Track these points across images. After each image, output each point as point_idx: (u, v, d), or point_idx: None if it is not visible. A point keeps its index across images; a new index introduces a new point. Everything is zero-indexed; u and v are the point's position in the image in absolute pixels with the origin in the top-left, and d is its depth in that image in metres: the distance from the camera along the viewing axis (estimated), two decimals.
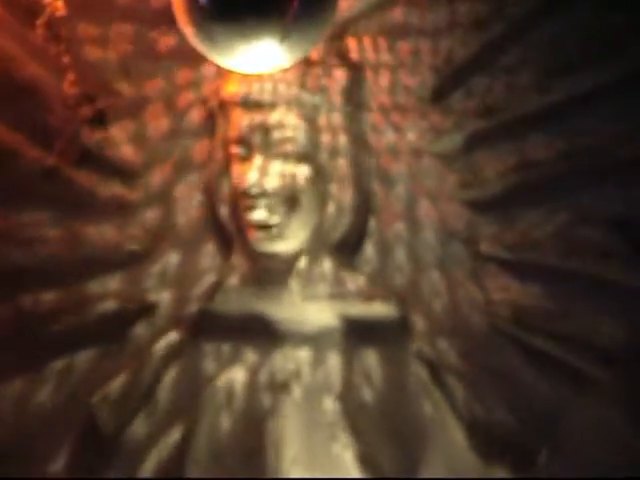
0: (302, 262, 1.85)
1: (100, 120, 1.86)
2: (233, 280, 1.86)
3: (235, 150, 1.81)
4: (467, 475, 1.75)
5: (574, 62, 1.86)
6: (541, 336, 1.83)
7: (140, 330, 1.87)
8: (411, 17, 1.93)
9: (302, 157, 1.81)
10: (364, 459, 1.74)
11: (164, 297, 1.88)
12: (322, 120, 1.85)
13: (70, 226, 1.86)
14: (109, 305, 1.86)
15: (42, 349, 1.83)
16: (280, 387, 1.81)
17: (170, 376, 1.84)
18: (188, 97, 1.95)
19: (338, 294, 1.83)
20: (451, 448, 1.78)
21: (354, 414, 1.78)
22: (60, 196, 1.85)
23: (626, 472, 1.73)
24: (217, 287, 1.86)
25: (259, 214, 1.78)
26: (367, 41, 1.92)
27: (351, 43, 1.92)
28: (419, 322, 1.84)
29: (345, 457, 1.75)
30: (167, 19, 1.77)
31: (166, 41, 1.95)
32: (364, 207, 1.87)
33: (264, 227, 1.78)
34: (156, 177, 1.93)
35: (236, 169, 1.81)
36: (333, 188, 1.84)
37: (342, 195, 1.84)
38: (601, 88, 1.84)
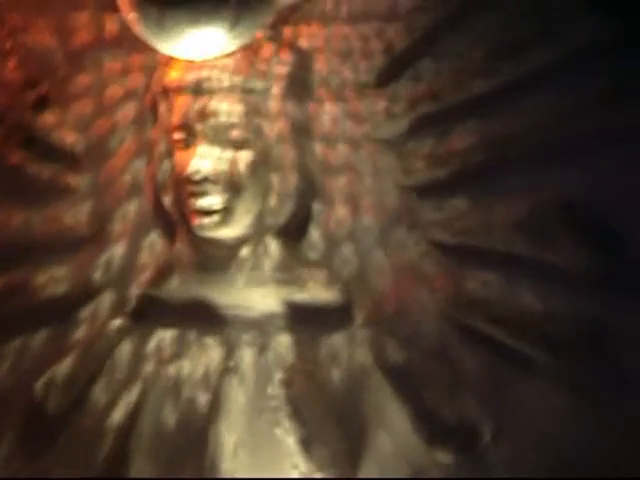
0: (246, 248, 1.86)
1: (43, 105, 1.86)
2: (177, 266, 1.87)
3: (177, 136, 1.81)
4: (411, 458, 1.77)
5: (519, 44, 1.88)
6: (486, 321, 1.84)
7: (86, 314, 1.88)
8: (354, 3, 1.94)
9: (245, 143, 1.81)
10: (307, 443, 1.76)
11: (109, 282, 1.89)
12: (265, 107, 1.85)
13: (14, 211, 1.86)
14: (55, 289, 1.87)
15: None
16: (224, 372, 1.82)
17: (114, 360, 1.85)
18: (132, 84, 1.96)
19: (283, 280, 1.84)
20: (395, 432, 1.79)
21: (298, 399, 1.79)
22: (3, 181, 1.86)
23: (571, 451, 1.76)
24: (161, 273, 1.87)
25: (202, 200, 1.78)
26: (311, 28, 1.93)
27: (295, 29, 1.92)
28: (363, 308, 1.85)
29: (289, 441, 1.77)
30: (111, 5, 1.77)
31: (110, 27, 1.95)
32: (308, 193, 1.88)
33: (207, 213, 1.79)
34: (100, 164, 1.93)
35: (179, 156, 1.82)
36: (276, 174, 1.85)
37: (285, 181, 1.86)
38: (547, 67, 1.85)
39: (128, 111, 1.95)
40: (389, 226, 1.88)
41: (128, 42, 1.89)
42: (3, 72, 1.85)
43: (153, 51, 1.77)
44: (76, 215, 1.91)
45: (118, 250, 1.91)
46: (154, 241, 1.92)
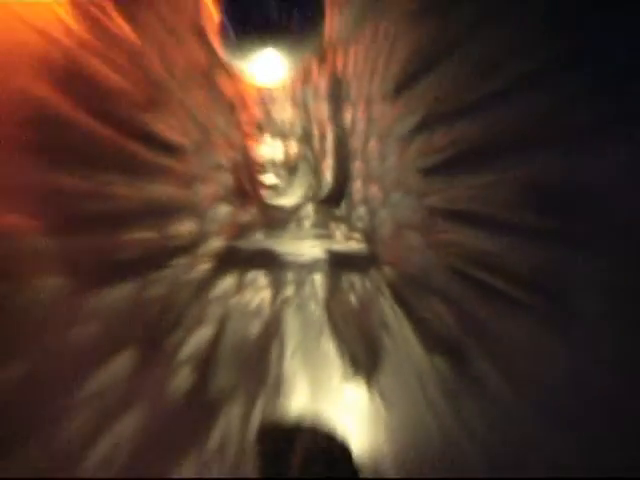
0: (299, 212, 2.58)
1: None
2: (250, 225, 2.61)
3: (253, 132, 2.55)
4: (414, 362, 2.45)
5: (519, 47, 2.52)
6: (480, 268, 2.51)
7: (182, 261, 2.62)
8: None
9: (299, 138, 2.53)
10: (341, 349, 2.47)
11: (200, 238, 2.63)
12: (312, 112, 2.57)
13: (134, 186, 2.61)
14: (156, 242, 2.62)
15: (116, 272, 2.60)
16: (281, 301, 2.55)
17: (203, 297, 2.59)
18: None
19: (324, 235, 2.56)
20: (405, 344, 2.48)
21: (334, 317, 2.51)
22: (127, 163, 2.61)
23: (552, 385, 2.40)
24: (238, 231, 2.61)
25: (269, 178, 2.51)
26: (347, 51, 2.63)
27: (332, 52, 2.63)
28: (383, 256, 2.55)
29: (329, 347, 2.48)
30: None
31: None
32: (343, 176, 2.58)
33: (272, 187, 2.52)
34: (198, 154, 2.67)
35: (253, 146, 2.55)
36: (321, 162, 2.57)
37: (327, 167, 2.57)
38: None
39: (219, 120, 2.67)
40: (402, 197, 2.57)
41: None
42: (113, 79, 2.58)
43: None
44: (168, 191, 2.64)
45: (210, 213, 2.64)
46: (235, 206, 2.64)
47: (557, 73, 2.51)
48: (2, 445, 2.45)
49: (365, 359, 2.48)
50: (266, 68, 2.36)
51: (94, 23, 2.56)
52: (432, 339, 2.47)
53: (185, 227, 2.62)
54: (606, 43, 2.51)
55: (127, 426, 2.58)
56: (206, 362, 2.57)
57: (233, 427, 2.55)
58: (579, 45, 2.49)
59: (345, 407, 2.49)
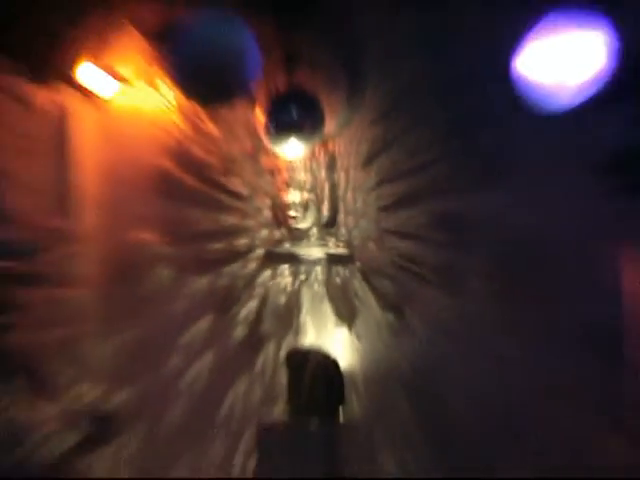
0: (309, 232, 4.46)
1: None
2: (282, 239, 4.50)
3: (283, 187, 4.46)
4: (375, 316, 4.30)
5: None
6: (410, 262, 4.38)
7: (240, 262, 4.51)
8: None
9: (311, 189, 4.44)
10: (333, 309, 4.33)
11: (252, 248, 4.52)
12: (317, 175, 4.48)
13: (216, 217, 4.52)
14: (226, 250, 4.50)
15: (203, 267, 4.48)
16: (304, 281, 4.42)
17: (253, 282, 4.46)
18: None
19: (323, 244, 4.44)
20: (369, 305, 4.34)
21: (329, 291, 4.38)
22: (213, 203, 4.52)
23: (448, 322, 4.25)
24: (275, 242, 4.49)
25: (293, 213, 4.41)
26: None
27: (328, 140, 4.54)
28: (356, 256, 4.43)
29: (326, 308, 4.34)
30: None
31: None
32: (334, 212, 4.48)
33: (294, 218, 4.41)
34: (252, 199, 4.57)
35: (283, 195, 4.45)
36: (322, 204, 4.47)
37: (325, 207, 4.48)
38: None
39: (264, 180, 4.58)
40: (364, 222, 4.45)
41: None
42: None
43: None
44: (235, 220, 4.54)
45: (261, 233, 4.53)
46: (270, 231, 4.53)
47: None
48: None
49: (347, 314, 4.34)
50: (291, 150, 4.29)
51: (193, 122, 4.50)
52: (384, 302, 4.32)
53: (243, 241, 4.51)
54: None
55: (206, 361, 4.44)
56: (254, 321, 4.43)
57: (269, 358, 4.40)
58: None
59: (336, 342, 4.34)
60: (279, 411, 4.33)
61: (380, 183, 4.45)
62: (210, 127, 4.54)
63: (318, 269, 4.48)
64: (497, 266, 4.26)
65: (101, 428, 4.22)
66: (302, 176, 4.48)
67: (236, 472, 4.27)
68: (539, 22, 4.14)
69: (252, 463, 4.31)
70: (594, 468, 3.73)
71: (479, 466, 3.97)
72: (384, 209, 4.44)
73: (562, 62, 4.16)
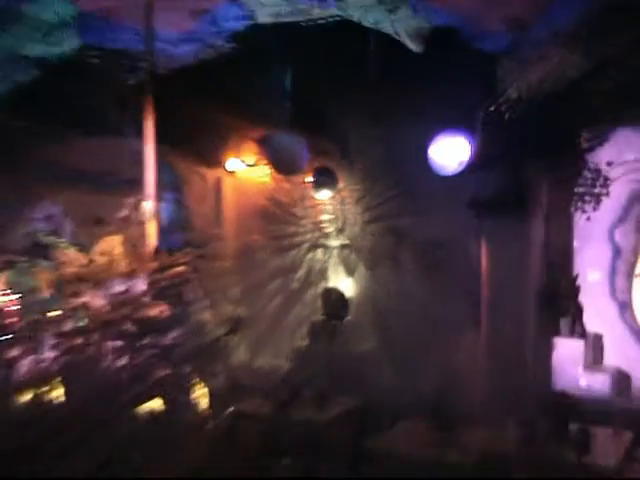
0: (332, 233, 9.42)
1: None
2: (318, 237, 9.49)
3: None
4: (362, 272, 9.21)
5: None
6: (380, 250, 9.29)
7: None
8: None
9: (332, 212, 9.41)
10: (345, 269, 9.28)
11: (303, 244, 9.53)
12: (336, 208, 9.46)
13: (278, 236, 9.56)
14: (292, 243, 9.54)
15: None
16: (329, 257, 9.37)
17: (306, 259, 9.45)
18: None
19: (338, 239, 9.40)
20: (360, 268, 9.27)
21: (342, 261, 9.34)
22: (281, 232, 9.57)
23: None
24: (315, 239, 9.48)
25: (323, 224, 9.39)
26: None
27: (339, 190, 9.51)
28: (354, 244, 9.36)
29: (340, 270, 9.28)
30: None
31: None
32: (344, 223, 9.44)
33: (324, 226, 9.39)
34: (300, 226, 9.58)
35: (319, 215, 9.43)
36: (338, 219, 9.44)
37: (339, 220, 9.45)
38: None
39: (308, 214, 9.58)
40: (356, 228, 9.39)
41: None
42: None
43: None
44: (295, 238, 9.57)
45: (307, 235, 9.52)
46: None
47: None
48: None
49: (349, 273, 9.23)
50: (322, 194, 9.31)
51: (278, 183, 9.58)
52: (366, 266, 9.19)
53: (299, 238, 9.49)
54: None
55: (283, 294, 9.46)
56: (305, 276, 9.37)
57: (313, 294, 9.33)
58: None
59: (344, 285, 9.25)
60: (317, 317, 9.21)
61: (364, 210, 9.33)
62: (286, 185, 9.59)
63: (335, 251, 9.37)
64: (422, 258, 8.94)
65: (234, 325, 9.01)
66: (328, 207, 9.41)
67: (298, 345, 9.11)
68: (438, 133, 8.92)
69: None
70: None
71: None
72: (366, 223, 9.31)
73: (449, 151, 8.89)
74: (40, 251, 8.09)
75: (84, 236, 8.39)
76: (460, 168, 8.59)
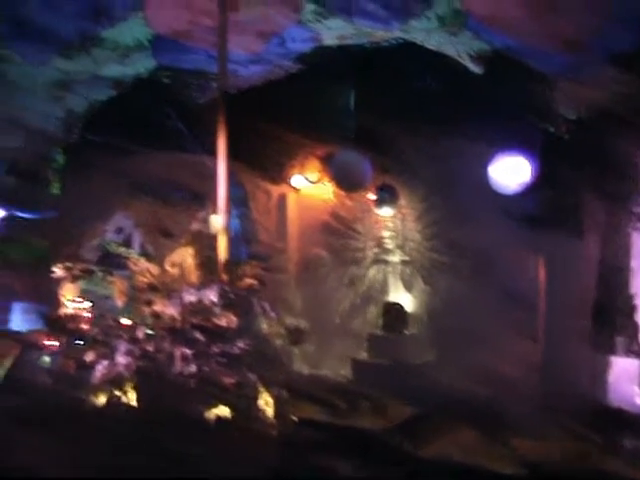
0: (392, 248, 9.68)
1: None
2: (378, 252, 9.75)
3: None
4: (423, 288, 9.44)
5: None
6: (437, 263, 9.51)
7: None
8: None
9: (393, 229, 9.66)
10: (404, 283, 9.52)
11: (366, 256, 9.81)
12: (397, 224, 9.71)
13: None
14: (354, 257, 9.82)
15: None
16: (390, 270, 9.62)
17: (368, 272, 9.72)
18: None
19: (397, 254, 9.66)
20: (417, 283, 9.50)
21: (401, 275, 9.58)
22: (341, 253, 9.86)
23: None
24: (375, 254, 9.75)
25: (384, 240, 9.65)
26: None
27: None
28: (411, 260, 9.60)
29: (398, 283, 9.52)
30: None
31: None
32: (403, 239, 9.69)
33: (384, 242, 9.66)
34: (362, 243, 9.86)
35: (381, 231, 9.70)
36: (398, 236, 9.68)
37: (399, 237, 9.70)
38: None
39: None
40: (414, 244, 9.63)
41: None
42: None
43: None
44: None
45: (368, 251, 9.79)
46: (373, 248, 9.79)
47: None
48: None
49: (407, 286, 9.46)
50: (384, 211, 9.57)
51: (339, 199, 9.87)
52: (429, 278, 9.40)
53: (360, 254, 9.76)
54: None
55: (346, 303, 9.73)
56: (367, 289, 9.63)
57: (374, 306, 9.58)
58: None
59: (403, 299, 9.47)
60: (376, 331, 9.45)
61: (424, 227, 9.57)
62: (348, 201, 9.87)
63: (395, 266, 9.61)
64: (479, 273, 9.10)
65: (295, 336, 9.17)
66: (390, 223, 9.67)
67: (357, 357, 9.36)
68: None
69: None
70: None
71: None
72: (426, 239, 9.54)
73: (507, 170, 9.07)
74: (111, 261, 8.44)
75: (153, 247, 8.73)
76: (519, 187, 8.82)
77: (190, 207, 9.15)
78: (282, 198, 10.09)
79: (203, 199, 9.08)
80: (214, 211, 7.04)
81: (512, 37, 7.77)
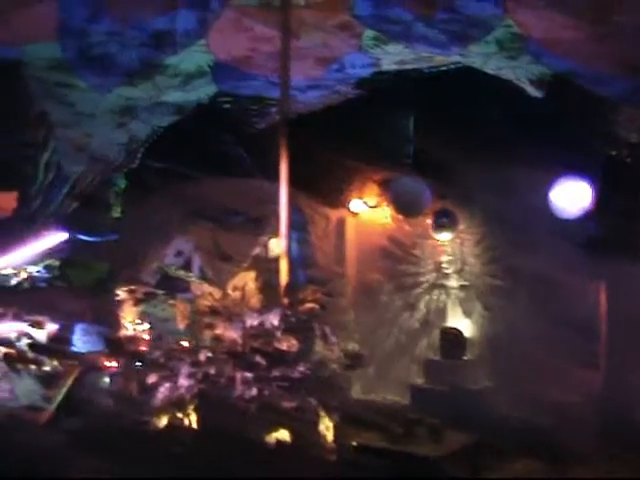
0: (451, 273, 9.64)
1: None
2: (437, 278, 9.71)
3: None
4: (481, 312, 9.36)
5: None
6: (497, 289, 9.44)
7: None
8: None
9: (452, 254, 9.62)
10: (463, 309, 9.46)
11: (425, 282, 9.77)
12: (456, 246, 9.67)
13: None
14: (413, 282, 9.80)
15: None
16: (448, 295, 9.57)
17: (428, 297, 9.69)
18: None
19: (456, 279, 9.60)
20: (476, 307, 9.43)
21: (460, 300, 9.52)
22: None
23: None
24: (434, 279, 9.71)
25: (444, 265, 9.62)
26: None
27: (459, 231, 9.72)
28: (470, 285, 9.54)
29: (457, 308, 9.46)
30: None
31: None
32: (462, 264, 9.63)
33: (444, 267, 9.62)
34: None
35: (440, 256, 9.67)
36: (457, 261, 9.64)
37: (458, 262, 9.65)
38: None
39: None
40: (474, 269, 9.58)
41: None
42: None
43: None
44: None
45: (427, 275, 9.75)
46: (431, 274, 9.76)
47: None
48: None
49: (468, 312, 9.39)
50: (443, 236, 9.54)
51: (398, 224, 9.87)
52: (489, 303, 9.32)
53: (420, 278, 9.72)
54: None
55: (403, 327, 9.70)
56: (426, 313, 9.58)
57: (434, 330, 9.51)
58: None
59: (462, 324, 9.40)
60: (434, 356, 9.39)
61: (482, 252, 9.50)
62: (407, 226, 9.85)
63: (454, 291, 9.55)
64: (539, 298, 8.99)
65: (353, 360, 9.12)
66: (448, 248, 9.63)
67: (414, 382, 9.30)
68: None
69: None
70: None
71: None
72: (485, 264, 9.48)
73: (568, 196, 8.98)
74: (170, 284, 8.54)
75: (211, 271, 8.82)
76: (580, 212, 8.76)
77: (249, 231, 9.27)
78: (341, 223, 10.09)
79: (262, 223, 9.21)
80: (274, 235, 7.09)
81: (573, 61, 7.74)
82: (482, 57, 8.17)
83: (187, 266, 8.98)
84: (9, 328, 7.23)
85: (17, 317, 7.35)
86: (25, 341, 7.20)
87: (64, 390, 7.29)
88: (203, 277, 8.53)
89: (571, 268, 8.71)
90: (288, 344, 6.28)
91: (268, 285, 6.73)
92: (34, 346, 7.20)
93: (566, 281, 8.80)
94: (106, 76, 8.17)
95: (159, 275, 8.89)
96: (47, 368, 7.17)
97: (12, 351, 7.04)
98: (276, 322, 6.35)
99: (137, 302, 7.41)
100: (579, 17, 7.12)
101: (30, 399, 7.24)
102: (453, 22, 7.48)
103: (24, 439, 6.60)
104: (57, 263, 9.32)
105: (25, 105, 8.66)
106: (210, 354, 6.43)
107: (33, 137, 8.91)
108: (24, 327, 7.29)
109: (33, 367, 7.11)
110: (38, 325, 7.37)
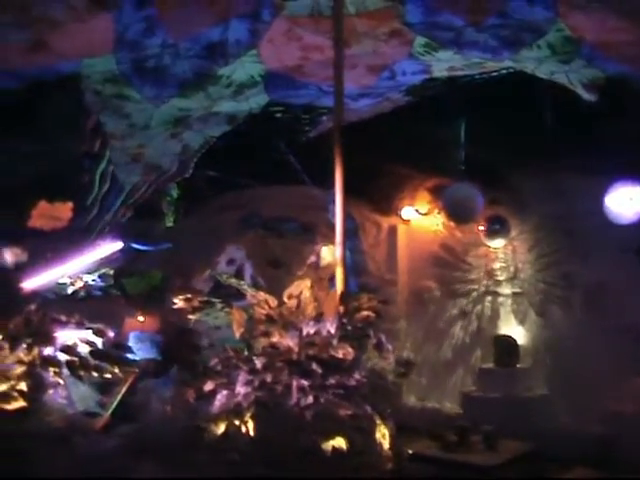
0: (504, 280, 9.57)
1: None
2: (489, 285, 9.65)
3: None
4: (535, 320, 9.28)
5: None
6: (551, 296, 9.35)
7: None
8: None
9: (504, 261, 9.56)
10: (515, 316, 9.39)
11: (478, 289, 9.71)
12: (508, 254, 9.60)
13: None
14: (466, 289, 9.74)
15: None
16: (501, 302, 9.51)
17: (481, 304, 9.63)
18: None
19: (509, 286, 9.54)
20: (530, 316, 9.35)
21: (513, 308, 9.45)
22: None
23: None
24: (487, 286, 9.65)
25: (496, 272, 9.56)
26: None
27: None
28: (524, 292, 9.46)
29: (510, 316, 9.39)
30: None
31: None
32: (515, 272, 9.57)
33: (496, 274, 9.56)
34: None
35: (492, 263, 9.61)
36: (510, 268, 9.58)
37: (511, 269, 9.58)
38: None
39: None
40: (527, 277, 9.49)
41: None
42: None
43: None
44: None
45: (480, 283, 9.70)
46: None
47: None
48: None
49: (520, 319, 9.32)
50: (496, 243, 9.48)
51: (450, 231, 9.82)
52: (542, 310, 9.23)
53: (473, 286, 9.67)
54: None
55: (458, 336, 9.65)
56: (479, 321, 9.52)
57: (487, 338, 9.45)
58: None
59: (516, 332, 9.32)
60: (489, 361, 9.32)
61: (535, 259, 9.42)
62: (459, 233, 9.81)
63: (507, 298, 9.48)
64: (592, 304, 8.93)
65: (405, 368, 9.06)
66: (501, 255, 9.57)
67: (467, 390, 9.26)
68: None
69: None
70: None
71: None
72: (537, 271, 9.39)
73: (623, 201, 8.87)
74: (223, 292, 8.60)
75: (263, 279, 8.88)
76: (636, 217, 8.67)
77: (300, 239, 9.32)
78: (392, 230, 10.07)
79: (313, 231, 9.26)
80: (326, 243, 7.10)
81: (626, 63, 7.71)
82: (534, 62, 8.13)
83: (239, 274, 9.04)
84: (71, 335, 7.35)
85: (79, 325, 7.46)
86: (86, 348, 7.30)
87: (119, 397, 7.37)
88: (255, 285, 8.55)
89: (626, 274, 8.67)
90: (344, 352, 6.26)
91: (325, 293, 6.70)
92: (95, 353, 7.30)
93: (621, 287, 8.75)
94: (160, 88, 8.29)
95: (211, 283, 8.96)
96: (108, 375, 7.25)
97: (74, 358, 7.13)
98: (332, 330, 6.36)
99: (194, 310, 7.47)
100: (632, 19, 7.04)
101: (86, 405, 7.32)
102: (504, 27, 7.43)
103: (81, 444, 6.69)
104: (112, 272, 9.41)
105: (81, 117, 8.82)
106: (266, 361, 6.44)
107: (89, 148, 9.09)
108: (86, 334, 7.39)
109: (95, 374, 7.20)
110: (100, 333, 7.48)
